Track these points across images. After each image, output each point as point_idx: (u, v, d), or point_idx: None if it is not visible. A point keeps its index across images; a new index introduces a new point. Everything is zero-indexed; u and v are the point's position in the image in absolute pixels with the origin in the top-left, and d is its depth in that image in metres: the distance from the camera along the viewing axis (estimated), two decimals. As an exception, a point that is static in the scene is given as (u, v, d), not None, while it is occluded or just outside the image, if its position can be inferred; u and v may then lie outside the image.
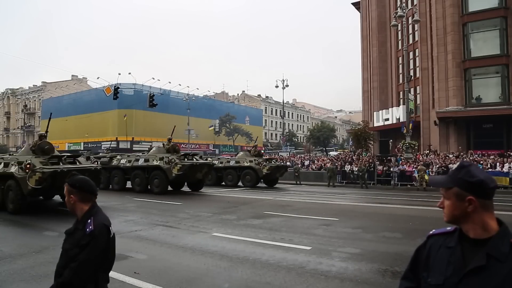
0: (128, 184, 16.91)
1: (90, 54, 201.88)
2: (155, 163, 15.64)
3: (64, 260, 2.25)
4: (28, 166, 9.85)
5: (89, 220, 2.23)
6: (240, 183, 20.34)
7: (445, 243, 1.47)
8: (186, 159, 15.77)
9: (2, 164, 10.80)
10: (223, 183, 20.77)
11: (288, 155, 37.16)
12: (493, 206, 1.40)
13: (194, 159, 16.53)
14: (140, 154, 18.01)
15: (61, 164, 10.68)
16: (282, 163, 23.80)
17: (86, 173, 10.50)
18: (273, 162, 21.05)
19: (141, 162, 16.27)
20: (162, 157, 15.50)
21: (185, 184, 17.40)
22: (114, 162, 17.24)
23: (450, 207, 1.44)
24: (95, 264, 2.19)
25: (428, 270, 1.48)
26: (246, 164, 20.07)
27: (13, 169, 10.25)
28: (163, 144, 16.81)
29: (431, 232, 1.58)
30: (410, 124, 24.80)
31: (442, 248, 1.47)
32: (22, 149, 12.19)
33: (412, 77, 30.20)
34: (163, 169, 15.26)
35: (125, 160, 17.00)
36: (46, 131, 11.55)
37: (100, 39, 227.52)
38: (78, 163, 11.49)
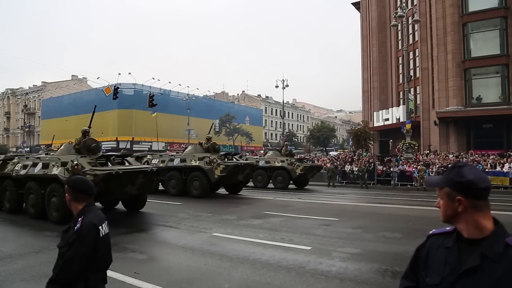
0: (160, 186, 15.48)
1: (90, 54, 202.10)
2: (194, 163, 14.47)
3: (58, 258, 2.28)
4: (76, 167, 8.54)
5: (79, 219, 2.27)
6: (270, 185, 19.28)
7: (443, 243, 1.48)
8: (226, 159, 14.85)
9: (40, 165, 9.32)
10: (251, 184, 19.32)
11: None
12: (488, 206, 1.40)
13: (234, 159, 15.63)
14: (175, 153, 17.05)
15: (109, 164, 9.51)
16: (314, 163, 23.07)
17: (141, 175, 9.56)
18: (305, 162, 20.26)
19: (177, 162, 15.03)
20: (202, 157, 14.37)
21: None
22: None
23: (443, 207, 1.46)
24: (82, 262, 2.19)
25: (427, 270, 1.49)
26: (277, 164, 18.95)
27: (56, 170, 8.84)
28: (200, 143, 15.90)
29: (431, 232, 1.58)
30: (410, 124, 24.80)
31: (440, 248, 1.47)
32: (61, 147, 10.46)
33: (412, 77, 30.21)
34: (204, 170, 14.05)
35: (158, 160, 15.61)
36: (89, 126, 10.15)
37: (100, 39, 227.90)
38: (127, 163, 10.22)
